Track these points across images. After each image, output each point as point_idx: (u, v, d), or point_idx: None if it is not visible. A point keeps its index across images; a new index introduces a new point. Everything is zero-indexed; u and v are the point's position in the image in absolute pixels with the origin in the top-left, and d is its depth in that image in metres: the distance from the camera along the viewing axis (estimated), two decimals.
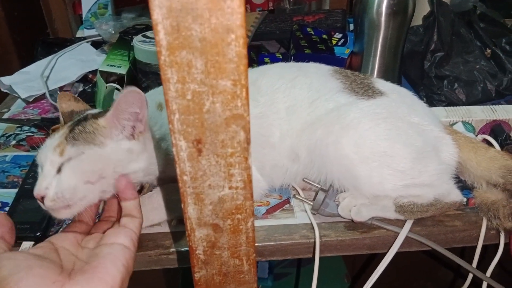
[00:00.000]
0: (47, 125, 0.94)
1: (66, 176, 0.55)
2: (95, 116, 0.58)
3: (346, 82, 0.72)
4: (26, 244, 0.64)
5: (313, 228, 0.65)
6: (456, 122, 0.80)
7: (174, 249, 0.63)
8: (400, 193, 0.64)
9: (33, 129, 0.94)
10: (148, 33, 1.04)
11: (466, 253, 0.70)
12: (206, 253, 0.43)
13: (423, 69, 1.00)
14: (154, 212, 0.64)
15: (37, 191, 0.54)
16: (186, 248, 0.63)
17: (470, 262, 0.67)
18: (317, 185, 0.68)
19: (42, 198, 0.54)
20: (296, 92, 0.69)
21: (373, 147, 0.63)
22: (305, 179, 0.69)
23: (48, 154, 0.55)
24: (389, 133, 0.65)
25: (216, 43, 0.32)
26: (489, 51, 1.03)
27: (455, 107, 0.84)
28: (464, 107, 0.84)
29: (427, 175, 0.64)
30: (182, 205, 0.40)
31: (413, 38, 1.09)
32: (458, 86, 0.97)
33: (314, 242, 0.63)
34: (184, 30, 0.31)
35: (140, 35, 1.02)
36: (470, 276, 0.68)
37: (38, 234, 0.64)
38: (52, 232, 0.67)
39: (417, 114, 0.69)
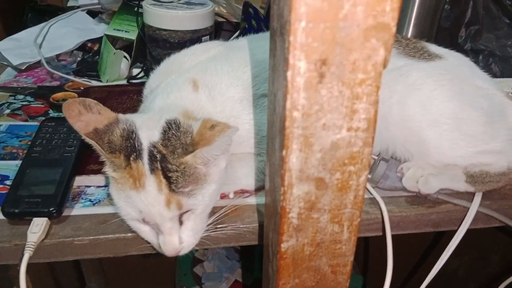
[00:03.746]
0: (45, 94, 0.83)
1: (196, 224, 0.52)
2: (174, 150, 0.49)
3: (399, 47, 0.66)
4: (38, 221, 0.53)
5: (373, 203, 0.58)
6: (507, 93, 0.75)
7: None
8: (472, 160, 0.58)
9: (28, 98, 0.83)
10: None
11: None
12: (301, 216, 0.35)
13: (453, 44, 0.95)
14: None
15: (174, 250, 0.50)
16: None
17: None
18: (375, 156, 0.61)
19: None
20: None
21: (441, 109, 0.57)
22: None
23: (163, 213, 0.49)
24: (456, 95, 0.58)
25: None
26: None
27: (502, 79, 0.78)
28: (511, 78, 0.79)
29: (499, 140, 0.58)
30: (284, 152, 0.31)
31: None
32: (493, 61, 0.92)
33: (382, 218, 0.55)
34: None
35: None
36: None
37: (52, 209, 0.54)
38: (68, 208, 0.57)
39: (480, 78, 0.64)
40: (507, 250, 1.38)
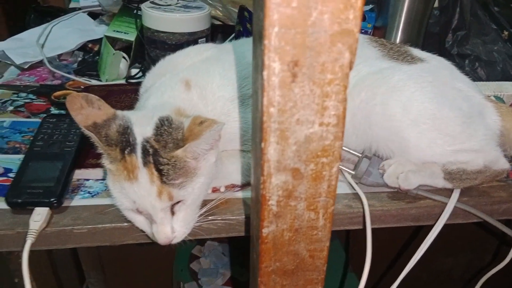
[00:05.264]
0: (47, 92, 0.86)
1: (187, 214, 0.55)
2: (166, 144, 0.52)
3: (383, 50, 0.69)
4: (39, 210, 0.57)
5: (357, 198, 0.61)
6: (489, 96, 0.78)
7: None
8: (450, 158, 0.61)
9: (31, 96, 0.86)
10: (156, 0, 0.97)
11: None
12: (280, 204, 0.38)
13: (441, 49, 0.99)
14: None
15: (166, 239, 0.53)
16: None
17: None
18: (359, 154, 0.64)
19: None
20: None
21: (421, 109, 0.60)
22: (344, 148, 0.65)
23: (155, 204, 0.52)
24: (436, 96, 0.62)
25: None
26: (506, 33, 1.01)
27: (486, 82, 0.82)
28: (494, 82, 0.82)
29: (476, 140, 0.61)
30: (262, 145, 0.35)
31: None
32: (479, 65, 0.95)
33: (363, 212, 0.59)
34: None
35: (148, 2, 0.96)
36: None
37: (53, 199, 0.57)
38: (68, 199, 0.60)
39: (460, 81, 0.67)
40: (499, 249, 1.41)
